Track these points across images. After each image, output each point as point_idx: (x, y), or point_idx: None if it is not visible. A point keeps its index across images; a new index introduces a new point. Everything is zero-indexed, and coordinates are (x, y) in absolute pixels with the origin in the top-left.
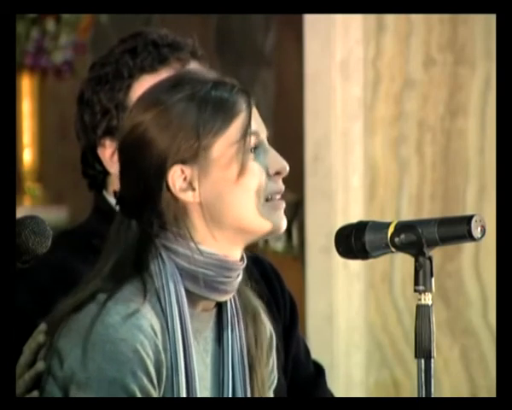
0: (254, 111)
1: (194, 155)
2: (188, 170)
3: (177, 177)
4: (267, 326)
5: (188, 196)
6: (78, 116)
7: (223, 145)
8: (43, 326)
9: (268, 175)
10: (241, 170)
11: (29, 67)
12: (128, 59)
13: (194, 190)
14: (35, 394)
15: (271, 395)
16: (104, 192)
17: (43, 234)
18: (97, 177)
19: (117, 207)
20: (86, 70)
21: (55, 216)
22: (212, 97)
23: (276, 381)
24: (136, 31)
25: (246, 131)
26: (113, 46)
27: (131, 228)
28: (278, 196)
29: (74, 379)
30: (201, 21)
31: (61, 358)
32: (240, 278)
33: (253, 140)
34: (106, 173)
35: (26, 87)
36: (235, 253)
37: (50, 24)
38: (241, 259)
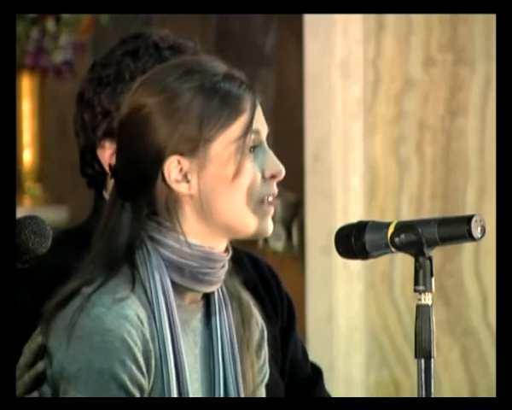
0: (258, 110)
1: (193, 149)
2: (185, 162)
3: (173, 167)
4: (258, 319)
5: (181, 188)
6: (78, 116)
7: (223, 143)
8: None
9: (263, 177)
10: (238, 171)
11: (29, 67)
12: (129, 61)
13: (188, 182)
14: (35, 395)
15: (263, 389)
16: (104, 193)
17: (43, 234)
18: (96, 177)
19: (111, 182)
20: (86, 70)
21: (55, 216)
22: (219, 92)
23: (267, 375)
24: (138, 32)
25: (247, 130)
26: (114, 47)
27: (126, 210)
28: (270, 199)
29: (64, 374)
30: (201, 21)
31: (50, 356)
32: (225, 268)
33: (252, 138)
34: (105, 174)
35: (26, 87)
36: (220, 245)
37: (50, 24)
38: (226, 250)
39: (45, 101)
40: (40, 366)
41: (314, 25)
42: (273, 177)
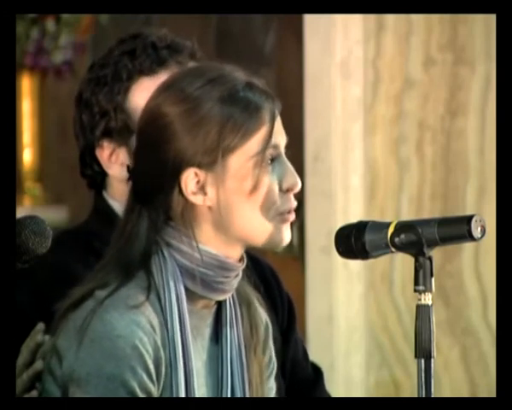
0: (278, 120)
1: (211, 162)
2: (202, 174)
3: (190, 180)
4: (263, 316)
5: (198, 200)
6: (77, 117)
7: (241, 157)
8: (40, 326)
9: (280, 190)
10: (256, 185)
11: (29, 67)
12: (127, 61)
13: (205, 194)
14: (34, 393)
15: (272, 382)
16: (104, 193)
17: (43, 234)
18: (96, 178)
19: (128, 183)
20: (86, 70)
21: (55, 216)
22: (240, 103)
23: (275, 368)
24: (136, 32)
25: (266, 146)
26: (112, 47)
27: (143, 217)
28: (289, 214)
29: (73, 377)
30: (201, 21)
31: (60, 357)
32: (238, 277)
33: (271, 152)
34: (104, 174)
35: (26, 87)
36: (236, 253)
37: (50, 24)
38: (241, 259)
39: (45, 101)
40: (38, 365)
41: (314, 25)
42: (290, 190)
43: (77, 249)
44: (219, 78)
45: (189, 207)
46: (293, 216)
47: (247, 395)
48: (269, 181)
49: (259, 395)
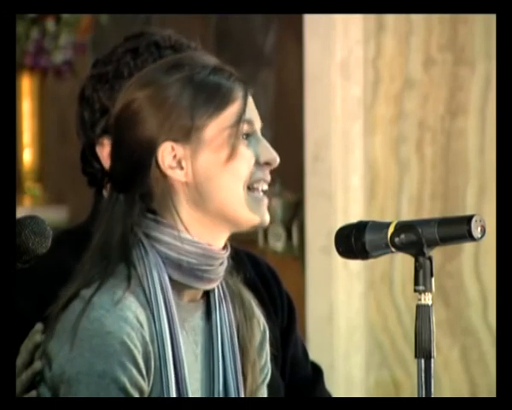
0: (250, 101)
1: (186, 135)
2: (178, 148)
3: (166, 153)
4: (260, 320)
5: (176, 174)
6: (79, 113)
7: (215, 128)
8: (39, 326)
9: (257, 163)
10: (231, 154)
11: (29, 67)
12: (129, 59)
13: (182, 168)
14: (33, 394)
15: (265, 389)
16: (103, 192)
17: (43, 234)
18: (96, 175)
19: (108, 185)
20: (86, 70)
21: (55, 216)
22: (210, 82)
23: (269, 375)
24: (141, 30)
25: (240, 118)
26: (117, 44)
27: (119, 202)
28: (264, 187)
29: (64, 377)
30: (201, 21)
31: (49, 360)
32: (224, 266)
33: (246, 127)
34: (104, 172)
35: (26, 87)
36: (218, 241)
37: (50, 24)
38: (224, 247)
39: (45, 101)
40: (37, 365)
41: (314, 25)
42: (267, 164)
43: (77, 249)
44: (187, 61)
45: (168, 186)
46: (266, 199)
47: (241, 387)
48: (244, 152)
49: (254, 389)
